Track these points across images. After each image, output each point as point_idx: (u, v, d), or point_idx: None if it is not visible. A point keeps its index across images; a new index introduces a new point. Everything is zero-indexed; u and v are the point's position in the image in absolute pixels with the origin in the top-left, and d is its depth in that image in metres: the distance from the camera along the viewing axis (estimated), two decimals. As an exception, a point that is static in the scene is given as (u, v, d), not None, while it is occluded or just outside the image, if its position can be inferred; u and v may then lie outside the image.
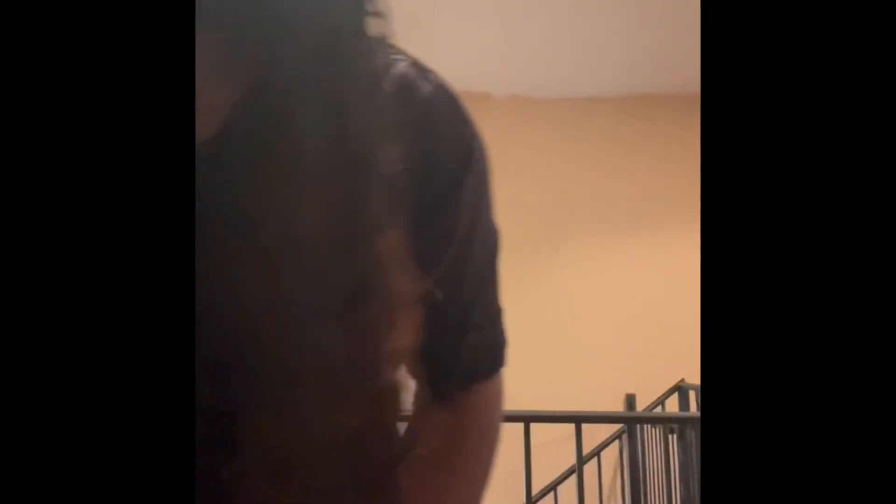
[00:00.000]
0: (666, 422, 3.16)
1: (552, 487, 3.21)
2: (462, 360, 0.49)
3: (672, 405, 3.46)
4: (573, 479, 3.13)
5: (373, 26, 0.37)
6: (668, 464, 3.12)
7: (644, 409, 3.45)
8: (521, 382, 3.72)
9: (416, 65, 0.42)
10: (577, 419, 2.14)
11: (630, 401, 3.55)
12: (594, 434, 3.29)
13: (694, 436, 2.83)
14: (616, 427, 3.35)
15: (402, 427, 0.43)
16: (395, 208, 0.38)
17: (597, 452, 3.26)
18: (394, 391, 0.40)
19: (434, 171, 0.41)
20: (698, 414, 2.45)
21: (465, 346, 0.48)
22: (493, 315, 0.52)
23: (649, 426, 3.28)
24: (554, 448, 3.35)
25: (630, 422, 3.22)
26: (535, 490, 2.95)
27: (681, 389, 3.45)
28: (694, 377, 3.38)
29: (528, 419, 2.15)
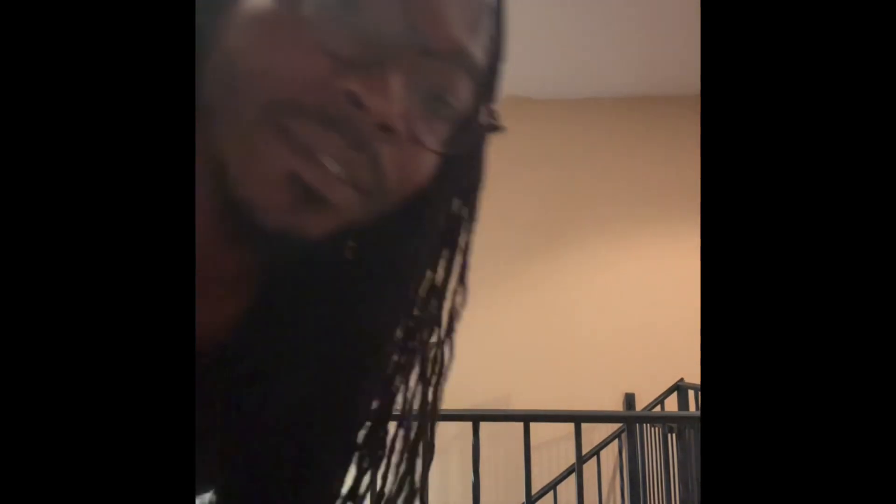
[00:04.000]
0: (665, 421, 3.16)
1: (552, 486, 3.22)
2: None
3: (671, 404, 3.46)
4: (573, 478, 3.14)
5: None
6: (668, 463, 3.12)
7: (643, 409, 3.45)
8: (521, 382, 3.74)
9: None
10: (577, 418, 2.15)
11: (629, 400, 3.56)
12: (593, 433, 3.29)
13: (693, 435, 2.83)
14: (615, 426, 3.36)
15: None
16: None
17: (596, 451, 3.26)
18: None
19: None
20: (697, 413, 2.45)
21: None
22: None
23: (648, 425, 3.29)
24: (553, 447, 3.36)
25: (629, 421, 3.22)
26: (534, 489, 2.95)
27: (680, 389, 3.46)
28: (693, 376, 3.39)
29: (527, 418, 2.16)
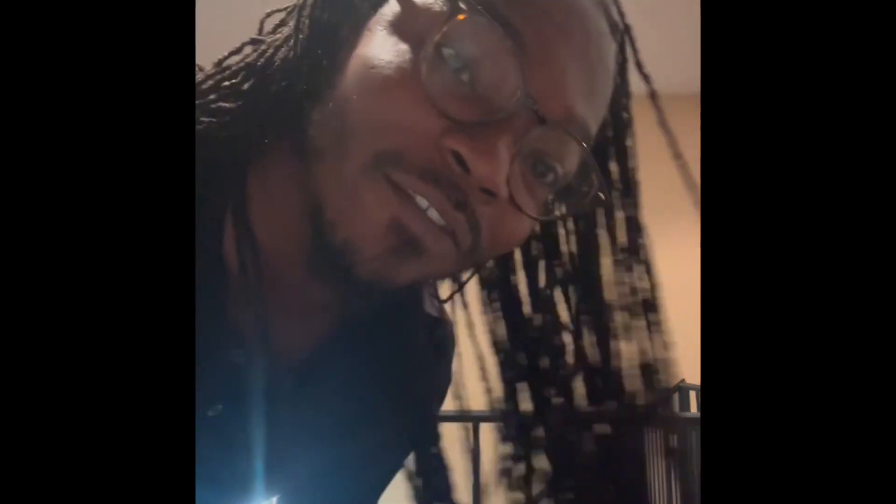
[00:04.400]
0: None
1: (553, 487, 3.21)
2: None
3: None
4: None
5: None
6: (669, 464, 3.10)
7: (644, 410, 3.44)
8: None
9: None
10: (578, 419, 2.13)
11: (630, 401, 3.53)
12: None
13: (694, 436, 2.82)
14: (616, 427, 3.34)
15: None
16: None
17: (597, 452, 3.25)
18: None
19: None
20: (698, 414, 2.44)
21: None
22: None
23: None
24: (554, 448, 3.35)
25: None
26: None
27: (681, 389, 3.44)
28: (694, 377, 3.37)
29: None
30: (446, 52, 0.35)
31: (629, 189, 0.48)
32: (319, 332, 0.48)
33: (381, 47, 0.37)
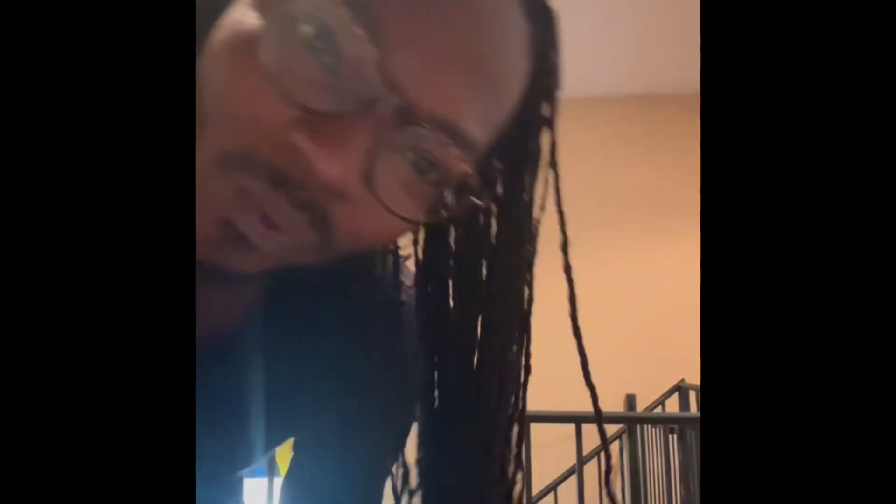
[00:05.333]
0: (666, 422, 3.16)
1: (552, 487, 3.21)
2: None
3: (672, 405, 3.46)
4: (573, 479, 3.14)
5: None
6: (669, 464, 3.12)
7: (644, 410, 3.45)
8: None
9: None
10: (577, 419, 2.14)
11: (630, 401, 3.55)
12: (594, 434, 3.29)
13: (694, 436, 2.83)
14: (616, 427, 3.35)
15: None
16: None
17: (597, 453, 3.26)
18: None
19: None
20: (698, 414, 2.45)
21: None
22: None
23: (649, 426, 3.28)
24: (554, 448, 3.35)
25: (630, 422, 3.22)
26: (535, 490, 2.95)
27: (681, 389, 3.45)
28: (694, 377, 3.38)
29: (528, 419, 2.16)
30: (303, 29, 0.31)
31: (515, 198, 0.44)
32: (245, 304, 0.45)
33: (243, 14, 0.33)
